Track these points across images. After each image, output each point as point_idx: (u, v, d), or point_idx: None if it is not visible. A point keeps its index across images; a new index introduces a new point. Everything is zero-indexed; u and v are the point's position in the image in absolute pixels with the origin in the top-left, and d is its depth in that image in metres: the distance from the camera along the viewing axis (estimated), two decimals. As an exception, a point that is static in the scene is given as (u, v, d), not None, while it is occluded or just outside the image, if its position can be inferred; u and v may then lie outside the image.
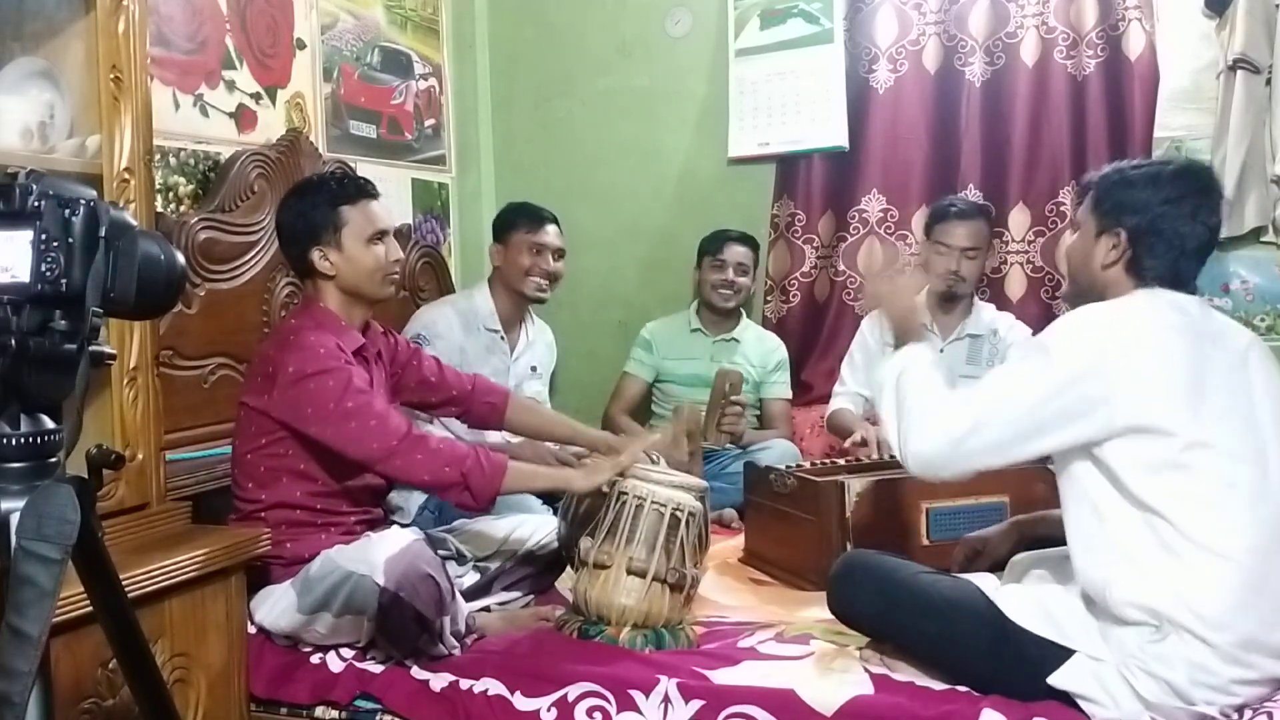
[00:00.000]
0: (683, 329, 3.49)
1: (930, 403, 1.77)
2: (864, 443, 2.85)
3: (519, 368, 3.10)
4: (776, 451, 3.15)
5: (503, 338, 3.06)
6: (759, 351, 3.47)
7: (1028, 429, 1.69)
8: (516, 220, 3.08)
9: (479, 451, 2.07)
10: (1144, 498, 1.66)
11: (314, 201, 2.18)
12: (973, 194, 3.41)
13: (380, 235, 2.20)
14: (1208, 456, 1.66)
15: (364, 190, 2.22)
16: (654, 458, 2.30)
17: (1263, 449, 1.71)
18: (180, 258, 1.13)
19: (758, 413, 3.48)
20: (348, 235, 2.16)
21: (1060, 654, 1.71)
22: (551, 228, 3.08)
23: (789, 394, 3.51)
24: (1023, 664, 1.73)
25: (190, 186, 2.58)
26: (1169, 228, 1.76)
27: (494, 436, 2.76)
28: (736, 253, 3.40)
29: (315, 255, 2.16)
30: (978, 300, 3.18)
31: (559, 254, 3.09)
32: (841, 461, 2.80)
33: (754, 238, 3.50)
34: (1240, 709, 1.65)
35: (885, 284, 2.10)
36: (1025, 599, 1.79)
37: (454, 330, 2.94)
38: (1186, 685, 1.62)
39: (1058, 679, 1.70)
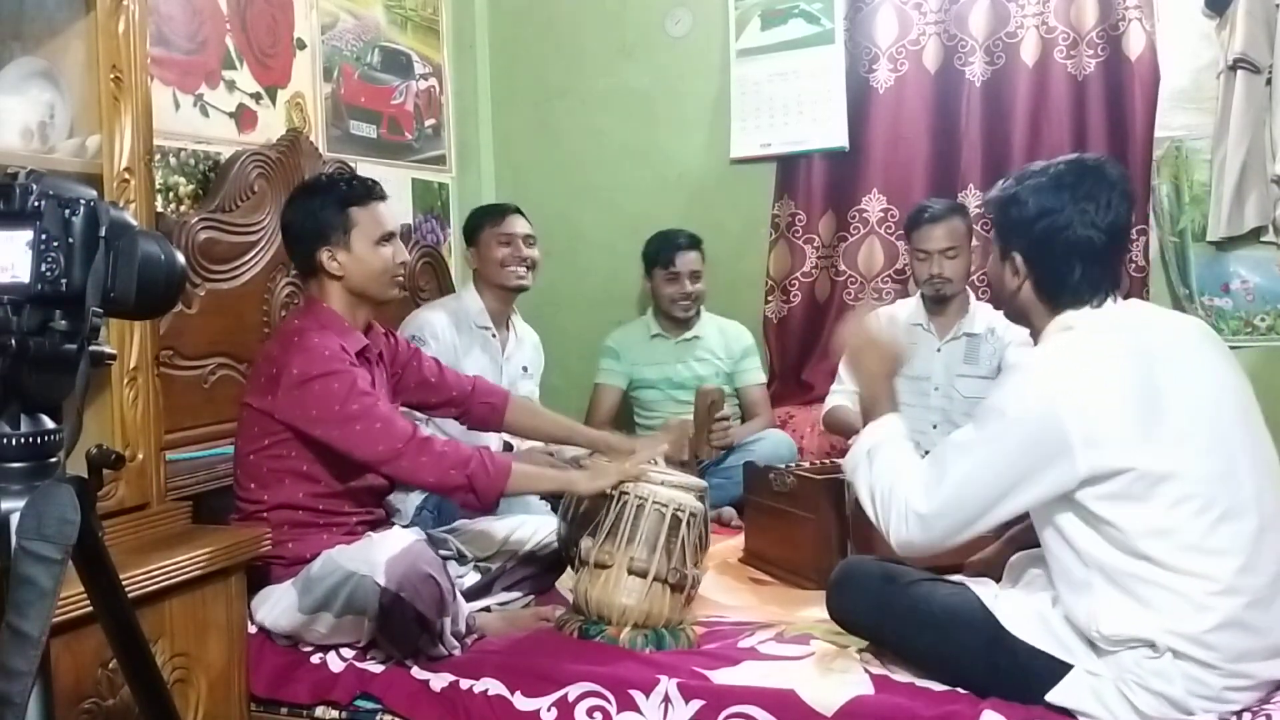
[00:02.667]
0: (643, 336, 3.50)
1: (901, 488, 1.72)
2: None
3: (511, 368, 3.10)
4: (770, 443, 3.17)
5: (494, 335, 3.07)
6: (723, 343, 3.48)
7: (994, 498, 1.66)
8: (481, 220, 3.12)
9: (483, 454, 2.08)
10: (1122, 535, 1.63)
11: (324, 201, 2.18)
12: (973, 194, 3.41)
13: (388, 237, 2.21)
14: (1178, 482, 1.61)
15: (373, 192, 2.22)
16: (655, 460, 2.30)
17: (1232, 457, 1.66)
18: (180, 257, 1.13)
19: (736, 402, 3.48)
20: (356, 236, 2.17)
21: (1057, 668, 1.69)
22: (516, 217, 3.10)
23: (763, 378, 3.52)
24: (1019, 676, 1.71)
25: (190, 186, 2.58)
26: (1059, 241, 1.67)
27: (491, 440, 2.75)
28: (689, 260, 3.39)
29: (323, 255, 2.16)
30: (974, 299, 3.18)
31: (530, 240, 3.09)
32: (841, 461, 2.80)
33: (698, 237, 3.46)
34: (1239, 713, 1.64)
35: (867, 342, 1.91)
36: (1023, 609, 1.77)
37: (448, 331, 2.95)
38: (1184, 697, 1.61)
39: (1055, 696, 1.68)
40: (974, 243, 3.16)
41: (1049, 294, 1.74)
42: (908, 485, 1.72)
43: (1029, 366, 1.73)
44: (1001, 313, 3.06)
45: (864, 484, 1.81)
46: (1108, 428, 1.61)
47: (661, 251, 3.42)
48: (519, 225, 3.09)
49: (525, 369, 3.18)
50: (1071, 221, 1.67)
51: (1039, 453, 1.63)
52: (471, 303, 3.07)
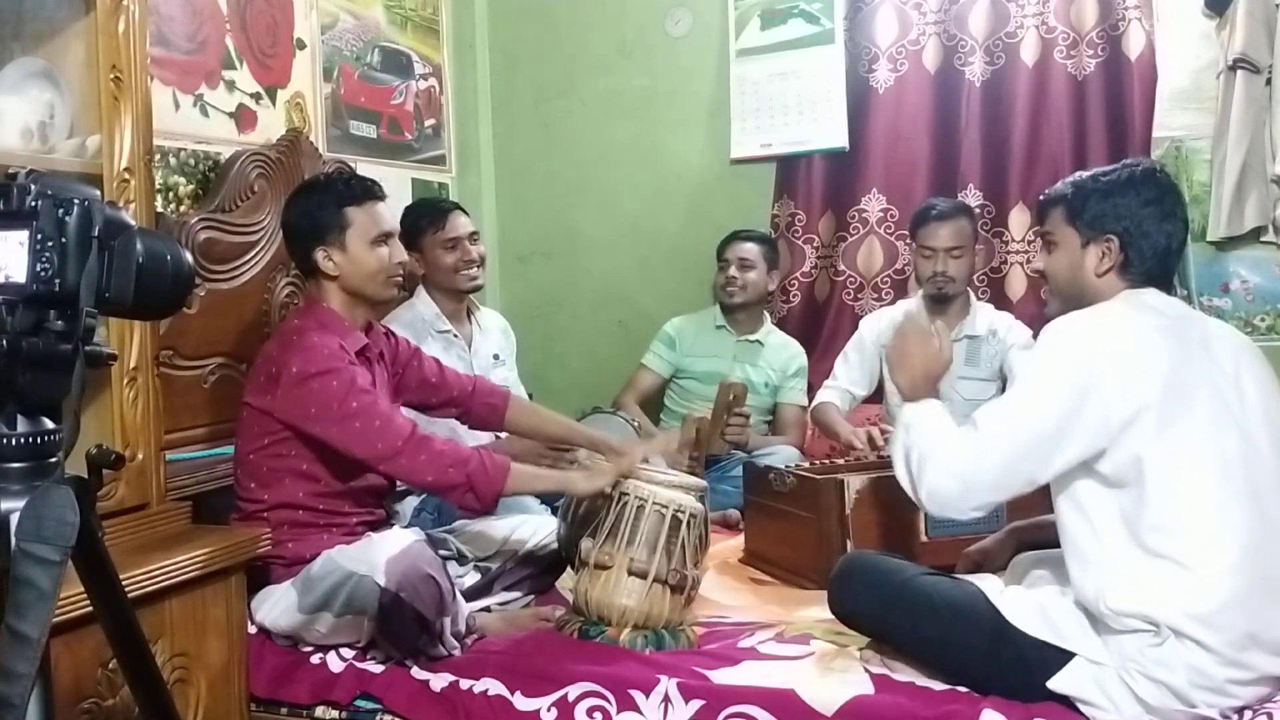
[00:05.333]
0: (708, 326, 3.49)
1: (936, 445, 1.78)
2: (853, 445, 2.87)
3: (480, 360, 3.02)
4: (780, 457, 3.15)
5: (455, 336, 2.98)
6: (780, 357, 3.47)
7: (1032, 452, 1.70)
8: (420, 223, 2.97)
9: (482, 453, 2.08)
10: (1137, 504, 1.66)
11: (320, 201, 2.19)
12: (973, 194, 3.42)
13: (385, 237, 2.21)
14: (1198, 455, 1.66)
15: (371, 192, 2.22)
16: (650, 460, 2.30)
17: (1254, 449, 1.71)
18: (188, 257, 1.13)
19: (769, 419, 3.47)
20: (352, 236, 2.17)
21: (1060, 657, 1.71)
22: (456, 216, 3.00)
23: (804, 401, 3.48)
24: (1022, 667, 1.73)
25: (190, 186, 2.58)
26: (1154, 228, 1.80)
27: (484, 438, 2.73)
28: (739, 249, 3.40)
29: (319, 255, 2.17)
30: (976, 301, 3.18)
31: (475, 237, 3.01)
32: (841, 461, 2.80)
33: (765, 235, 3.50)
34: (1240, 710, 1.65)
35: (916, 345, 1.98)
36: (1025, 602, 1.79)
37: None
38: (1186, 688, 1.62)
39: (1057, 683, 1.70)
40: (978, 244, 3.16)
41: (1129, 274, 1.82)
42: (949, 444, 1.76)
43: (1067, 324, 1.77)
44: (1005, 314, 3.15)
45: (899, 449, 1.84)
46: (1141, 385, 1.66)
47: (722, 244, 3.45)
48: (461, 225, 2.98)
49: (496, 356, 3.11)
50: (1166, 210, 1.82)
51: (1073, 405, 1.67)
52: (425, 309, 2.96)
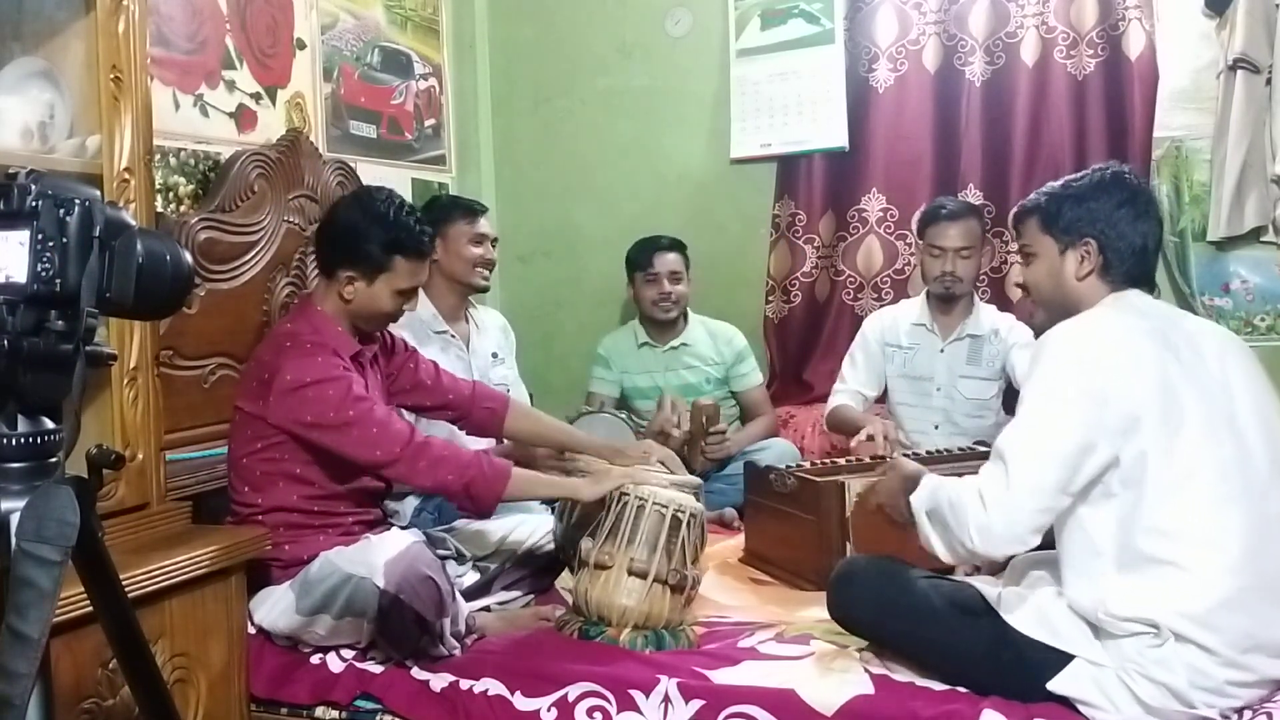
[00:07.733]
0: (631, 345, 3.48)
1: (964, 490, 1.75)
2: (870, 439, 2.85)
3: (479, 360, 3.01)
4: (773, 453, 3.15)
5: (452, 336, 2.97)
6: (713, 348, 3.46)
7: (1065, 466, 1.67)
8: (452, 214, 3.00)
9: (482, 458, 2.07)
10: (1133, 509, 1.66)
11: (377, 235, 2.14)
12: (973, 194, 3.41)
13: (411, 291, 2.21)
14: (1191, 457, 1.66)
15: (423, 249, 2.20)
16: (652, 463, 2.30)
17: (1246, 448, 1.71)
18: (188, 257, 1.13)
19: (734, 405, 3.47)
20: (384, 280, 2.15)
21: (1059, 659, 1.70)
22: (488, 218, 3.06)
23: (760, 378, 3.50)
24: (1022, 669, 1.73)
25: (190, 186, 2.58)
26: (1129, 228, 1.81)
27: (482, 443, 2.70)
28: (668, 261, 3.38)
29: (343, 277, 2.16)
30: (978, 301, 3.18)
31: (495, 242, 3.06)
32: (842, 461, 2.80)
33: (681, 241, 3.46)
34: (1240, 710, 1.65)
35: (878, 494, 2.05)
36: (1024, 604, 1.79)
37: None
38: (1186, 688, 1.62)
39: (1057, 685, 1.70)
40: (985, 245, 3.16)
41: (1110, 276, 1.83)
42: (977, 485, 1.73)
43: (1056, 337, 1.76)
44: (1008, 315, 3.15)
45: (929, 527, 1.81)
46: (1133, 386, 1.66)
47: (640, 254, 3.42)
48: (490, 227, 3.05)
49: (495, 355, 3.10)
50: (1139, 211, 1.83)
51: (1091, 407, 1.66)
52: (422, 310, 2.94)
